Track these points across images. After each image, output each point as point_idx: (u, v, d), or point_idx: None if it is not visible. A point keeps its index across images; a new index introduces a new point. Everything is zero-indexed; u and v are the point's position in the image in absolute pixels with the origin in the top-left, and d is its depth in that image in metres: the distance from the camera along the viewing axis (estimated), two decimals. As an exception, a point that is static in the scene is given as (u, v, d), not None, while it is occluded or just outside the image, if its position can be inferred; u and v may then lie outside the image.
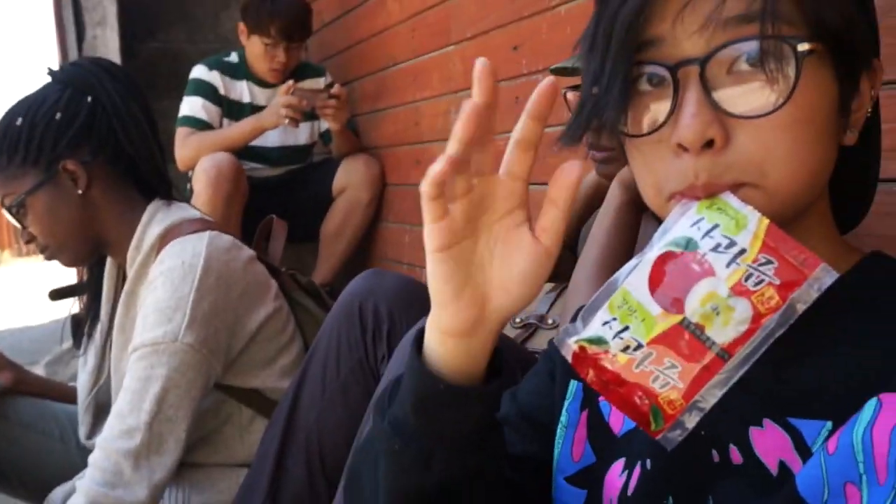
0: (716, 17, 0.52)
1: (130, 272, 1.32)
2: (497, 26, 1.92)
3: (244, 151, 2.54)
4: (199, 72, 2.58)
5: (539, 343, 1.14)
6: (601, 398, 0.64)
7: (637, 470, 0.60)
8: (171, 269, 1.23)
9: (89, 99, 1.30)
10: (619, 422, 0.64)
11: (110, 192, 1.33)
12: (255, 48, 2.54)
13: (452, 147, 0.51)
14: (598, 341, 0.54)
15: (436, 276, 0.54)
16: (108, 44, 2.78)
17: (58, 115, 1.28)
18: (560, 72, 1.18)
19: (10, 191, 1.28)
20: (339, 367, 1.16)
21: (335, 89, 2.45)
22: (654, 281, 0.53)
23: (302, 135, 2.71)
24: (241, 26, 2.57)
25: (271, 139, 2.63)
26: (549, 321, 1.15)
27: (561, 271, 1.33)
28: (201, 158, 2.39)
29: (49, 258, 1.34)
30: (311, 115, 2.59)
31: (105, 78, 1.31)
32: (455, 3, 2.10)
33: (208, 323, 1.22)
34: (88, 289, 1.49)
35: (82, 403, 1.42)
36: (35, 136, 1.27)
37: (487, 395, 0.56)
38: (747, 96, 0.52)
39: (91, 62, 1.36)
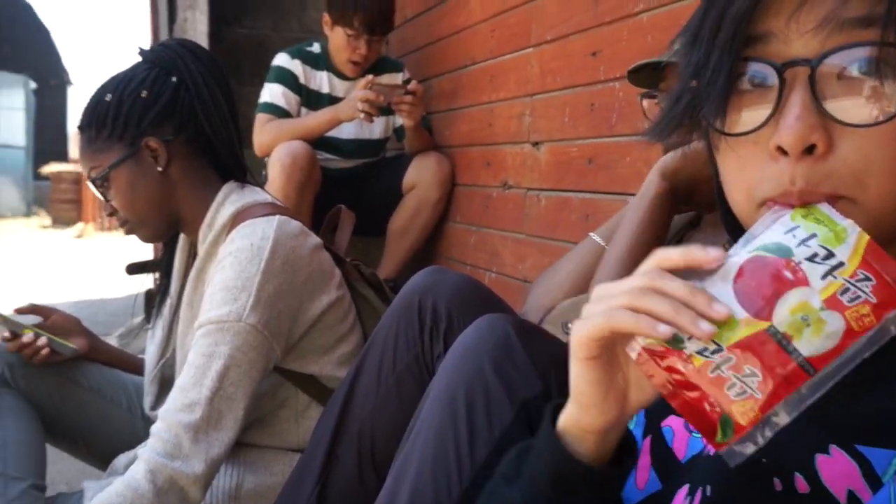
0: (835, 18, 0.50)
1: (201, 250, 1.36)
2: (577, 31, 1.91)
3: (319, 142, 2.58)
4: (281, 60, 2.63)
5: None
6: (663, 423, 0.63)
7: (698, 495, 0.59)
8: (239, 250, 1.26)
9: (174, 79, 1.34)
10: (682, 447, 0.63)
11: (188, 171, 1.37)
12: (337, 39, 2.58)
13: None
14: (674, 340, 0.51)
15: (583, 380, 0.54)
16: (197, 27, 2.87)
17: (144, 93, 1.33)
18: (636, 75, 1.17)
19: (96, 164, 1.34)
20: (396, 362, 1.17)
21: (412, 86, 2.47)
22: (741, 285, 0.50)
23: (376, 129, 2.74)
24: (326, 17, 2.61)
25: (346, 131, 2.67)
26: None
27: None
28: (278, 146, 2.44)
29: (129, 232, 1.40)
30: (386, 110, 2.61)
31: (190, 59, 1.36)
32: (537, 5, 2.10)
33: (272, 306, 1.25)
34: (161, 265, 1.54)
35: (149, 375, 1.47)
36: (122, 113, 1.32)
37: (622, 475, 0.58)
38: (856, 104, 0.50)
39: (178, 43, 1.41)
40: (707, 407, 0.50)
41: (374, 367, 1.19)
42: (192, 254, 1.48)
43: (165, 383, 1.47)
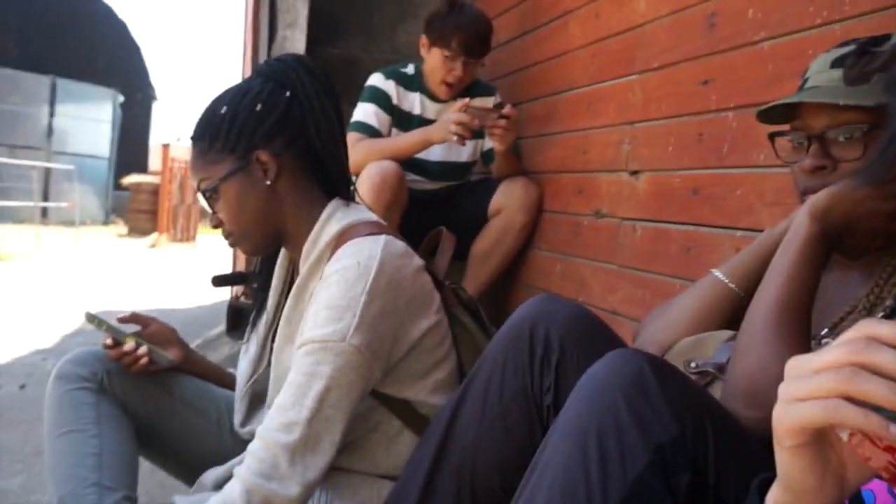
0: None
1: (304, 266, 1.33)
2: (687, 58, 1.84)
3: (407, 163, 2.57)
4: (375, 80, 2.64)
5: (716, 394, 1.06)
6: (864, 486, 0.57)
7: None
8: (345, 269, 1.23)
9: (288, 93, 1.33)
10: None
11: (295, 186, 1.35)
12: (433, 60, 2.57)
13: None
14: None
15: (794, 468, 0.50)
16: (295, 45, 2.91)
17: (258, 107, 1.32)
18: (766, 115, 1.11)
19: (207, 175, 1.33)
20: (503, 392, 1.12)
21: (507, 109, 2.44)
22: None
23: (465, 152, 2.72)
24: (423, 38, 2.61)
25: (434, 154, 2.65)
26: (733, 374, 1.06)
27: (739, 318, 1.23)
28: (368, 164, 2.43)
29: (232, 244, 1.39)
30: (477, 134, 2.59)
31: (304, 75, 1.35)
32: (644, 31, 2.04)
33: (375, 327, 1.22)
34: (258, 279, 1.53)
35: (240, 391, 1.45)
36: (235, 125, 1.31)
37: None
38: None
39: (294, 59, 1.40)
40: None
41: (478, 396, 1.14)
42: (291, 269, 1.46)
43: (256, 400, 1.45)
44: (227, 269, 4.97)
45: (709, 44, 1.77)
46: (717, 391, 1.02)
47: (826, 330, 1.04)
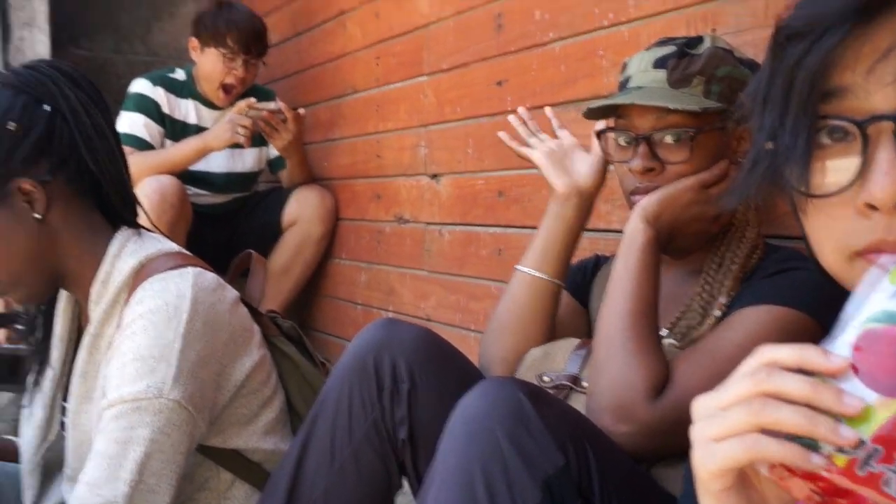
0: None
1: (95, 311, 1.14)
2: (478, 59, 1.85)
3: (187, 176, 2.36)
4: (141, 86, 2.39)
5: (575, 406, 1.05)
6: None
7: None
8: (152, 312, 1.07)
9: (47, 107, 1.13)
10: None
11: (71, 217, 1.15)
12: (209, 62, 2.38)
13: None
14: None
15: None
16: (36, 47, 2.55)
17: (11, 126, 1.10)
18: (594, 113, 1.11)
19: None
20: (352, 431, 1.03)
21: (280, 105, 2.32)
22: (861, 364, 0.45)
23: (249, 161, 2.55)
24: (194, 41, 2.41)
25: (217, 164, 2.47)
26: (584, 384, 1.06)
27: (579, 327, 1.24)
28: (142, 181, 2.19)
29: (1, 294, 1.16)
30: (261, 141, 2.44)
31: (66, 84, 1.14)
32: (430, 31, 2.02)
33: (195, 375, 1.07)
34: (34, 326, 1.30)
35: (27, 463, 1.22)
36: None
37: None
38: None
39: (49, 65, 1.19)
40: None
41: (324, 439, 1.05)
42: (77, 314, 1.26)
43: (50, 472, 1.22)
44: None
45: (499, 45, 1.78)
46: (575, 403, 1.01)
47: (666, 331, 1.06)
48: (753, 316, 0.95)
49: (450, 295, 1.95)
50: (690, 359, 0.95)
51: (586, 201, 1.18)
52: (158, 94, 2.39)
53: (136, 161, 2.27)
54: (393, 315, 2.22)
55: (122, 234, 1.18)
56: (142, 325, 1.06)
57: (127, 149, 2.27)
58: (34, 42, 2.53)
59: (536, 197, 1.68)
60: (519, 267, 1.21)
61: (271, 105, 2.33)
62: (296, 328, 1.39)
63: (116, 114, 2.37)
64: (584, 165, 1.18)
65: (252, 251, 1.44)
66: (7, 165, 1.09)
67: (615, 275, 1.00)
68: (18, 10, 2.50)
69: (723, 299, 1.03)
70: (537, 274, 1.17)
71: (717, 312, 1.02)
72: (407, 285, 2.15)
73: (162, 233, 1.30)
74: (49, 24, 2.65)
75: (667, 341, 1.03)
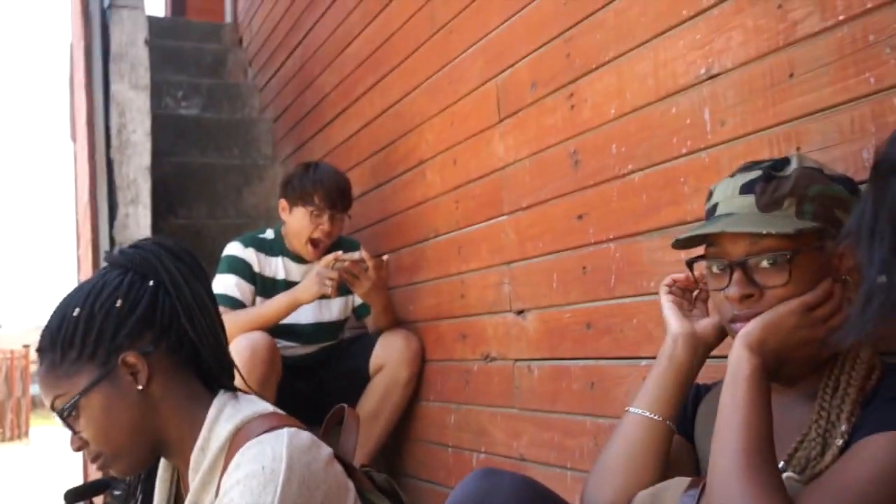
0: None
1: (194, 479, 1.15)
2: (557, 195, 1.86)
3: (276, 329, 2.42)
4: (233, 249, 2.50)
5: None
6: None
7: None
8: (248, 477, 1.06)
9: (151, 282, 1.18)
10: None
11: (172, 386, 1.18)
12: (297, 221, 2.49)
13: None
14: None
15: None
16: (139, 222, 2.73)
17: (118, 303, 1.16)
18: (682, 243, 1.09)
19: (62, 392, 1.13)
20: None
21: (384, 257, 2.38)
22: None
23: (336, 310, 2.60)
24: (283, 202, 2.53)
25: (305, 315, 2.52)
26: (702, 528, 0.98)
27: (685, 463, 1.17)
28: (235, 338, 2.25)
29: (103, 467, 1.17)
30: (344, 290, 2.49)
31: (167, 258, 1.21)
32: (506, 173, 2.06)
33: (294, 539, 1.04)
34: (133, 496, 1.30)
35: None
36: (93, 327, 1.14)
37: None
38: None
39: (152, 242, 1.26)
40: None
41: None
42: (175, 481, 1.26)
43: None
44: (77, 476, 4.42)
45: (576, 180, 1.79)
46: (691, 551, 0.93)
47: (782, 463, 0.99)
48: (885, 444, 0.87)
49: (543, 433, 1.88)
50: (819, 497, 0.87)
51: (701, 346, 1.13)
52: (249, 255, 2.50)
53: (229, 320, 2.32)
54: (485, 457, 2.15)
55: (220, 400, 1.20)
56: (239, 492, 1.05)
57: (221, 308, 2.38)
58: (138, 217, 2.72)
59: (627, 326, 1.64)
60: (630, 409, 1.16)
61: (355, 255, 2.40)
62: (390, 481, 1.35)
63: (212, 276, 2.48)
64: (705, 320, 1.15)
65: (345, 405, 1.43)
66: (114, 341, 1.14)
67: (723, 409, 0.94)
68: (124, 190, 2.71)
69: (843, 426, 0.95)
70: (649, 415, 1.12)
71: (839, 441, 0.94)
72: (498, 425, 2.09)
73: (255, 392, 1.31)
74: (151, 200, 2.85)
75: (786, 475, 0.95)
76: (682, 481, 1.05)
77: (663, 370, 1.13)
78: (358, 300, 2.57)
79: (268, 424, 1.15)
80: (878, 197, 0.52)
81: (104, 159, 2.76)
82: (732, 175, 1.05)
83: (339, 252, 2.38)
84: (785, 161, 1.02)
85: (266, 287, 2.49)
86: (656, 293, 1.56)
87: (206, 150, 3.88)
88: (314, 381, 2.56)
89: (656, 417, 1.11)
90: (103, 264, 1.25)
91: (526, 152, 1.98)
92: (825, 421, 0.98)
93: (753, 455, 0.89)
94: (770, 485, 0.87)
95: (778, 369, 0.98)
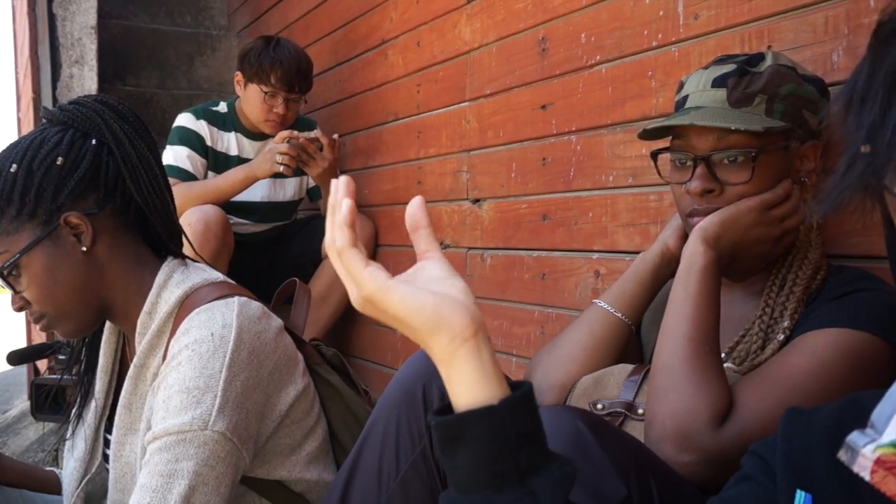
0: None
1: (140, 343, 1.13)
2: (522, 83, 1.83)
3: (229, 205, 2.37)
4: (185, 120, 2.41)
5: (631, 433, 1.00)
6: None
7: None
8: (197, 342, 1.05)
9: (94, 141, 1.13)
10: None
11: (118, 249, 1.15)
12: (251, 98, 2.39)
13: None
14: None
15: None
16: (85, 84, 2.59)
17: (59, 161, 1.10)
18: (649, 134, 1.08)
19: (2, 249, 1.09)
20: (399, 460, 1.00)
21: (336, 137, 2.32)
22: None
23: (290, 189, 2.56)
24: (238, 75, 2.43)
25: (258, 193, 2.48)
26: (640, 411, 1.01)
27: (630, 352, 1.20)
28: (186, 210, 2.21)
29: (46, 328, 1.15)
30: (298, 171, 2.44)
31: (112, 117, 1.15)
32: (471, 58, 2.01)
33: (240, 406, 1.05)
34: (77, 359, 1.29)
35: (70, 497, 1.21)
36: (32, 185, 1.09)
37: None
38: None
39: (96, 100, 1.19)
40: None
41: (371, 469, 1.01)
42: (121, 344, 1.25)
43: (92, 504, 1.21)
44: (21, 339, 4.37)
45: (543, 69, 1.76)
46: (630, 431, 0.96)
47: (724, 354, 1.02)
48: (822, 340, 0.90)
49: (493, 320, 1.92)
50: (756, 386, 0.90)
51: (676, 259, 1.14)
52: (202, 127, 2.41)
53: (180, 191, 2.29)
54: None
55: (169, 265, 1.17)
56: (187, 357, 1.05)
57: (172, 180, 2.31)
58: (83, 79, 2.58)
59: (582, 219, 1.65)
60: (598, 301, 1.17)
61: (310, 134, 2.34)
62: (339, 356, 1.37)
63: (162, 147, 2.40)
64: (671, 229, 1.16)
65: (297, 279, 1.43)
66: (55, 200, 1.10)
67: (674, 299, 0.95)
68: (68, 49, 2.55)
69: (786, 323, 0.98)
70: (614, 312, 1.14)
71: (780, 336, 0.97)
72: (450, 313, 2.11)
73: (206, 262, 1.29)
74: (97, 62, 2.70)
75: (726, 366, 0.98)
76: (624, 367, 1.08)
77: (644, 275, 1.15)
78: (312, 182, 2.53)
79: (218, 292, 1.14)
80: (876, 60, 0.50)
81: (46, 13, 2.58)
82: (706, 67, 1.03)
83: (296, 132, 2.31)
84: (759, 56, 1.00)
85: (218, 162, 2.43)
86: (614, 187, 1.58)
87: (156, 15, 3.68)
88: (265, 260, 2.54)
89: (622, 318, 1.13)
90: (42, 121, 1.19)
91: (493, 37, 1.92)
92: (768, 317, 1.00)
93: (699, 344, 0.91)
94: (712, 371, 0.89)
95: (731, 265, 0.99)
